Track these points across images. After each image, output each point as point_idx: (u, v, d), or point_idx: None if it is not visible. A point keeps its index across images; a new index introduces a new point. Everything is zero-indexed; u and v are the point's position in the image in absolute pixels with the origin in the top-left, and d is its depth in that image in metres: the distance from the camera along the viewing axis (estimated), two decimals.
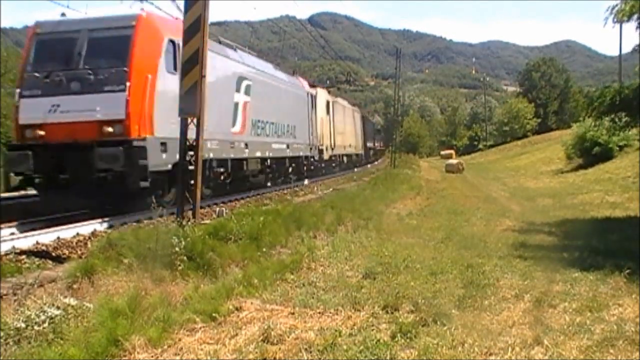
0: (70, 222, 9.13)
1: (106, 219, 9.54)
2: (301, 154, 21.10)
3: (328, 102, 26.92)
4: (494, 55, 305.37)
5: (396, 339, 3.87)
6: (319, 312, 4.56)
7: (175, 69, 10.44)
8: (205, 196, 11.46)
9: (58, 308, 3.97)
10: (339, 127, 29.33)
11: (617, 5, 10.48)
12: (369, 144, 46.03)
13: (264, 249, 6.82)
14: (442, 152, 67.58)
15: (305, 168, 21.79)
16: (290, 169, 19.78)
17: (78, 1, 11.57)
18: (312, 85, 25.01)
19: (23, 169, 9.82)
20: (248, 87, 15.46)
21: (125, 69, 9.83)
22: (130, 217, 9.97)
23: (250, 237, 6.89)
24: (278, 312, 4.57)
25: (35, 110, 9.89)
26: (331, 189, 17.34)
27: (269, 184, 17.76)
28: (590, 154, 26.28)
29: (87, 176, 9.68)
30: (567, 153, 29.84)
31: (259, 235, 7.01)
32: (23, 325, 3.67)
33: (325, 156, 25.51)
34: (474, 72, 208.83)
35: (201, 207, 8.54)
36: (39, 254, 7.20)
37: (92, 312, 4.02)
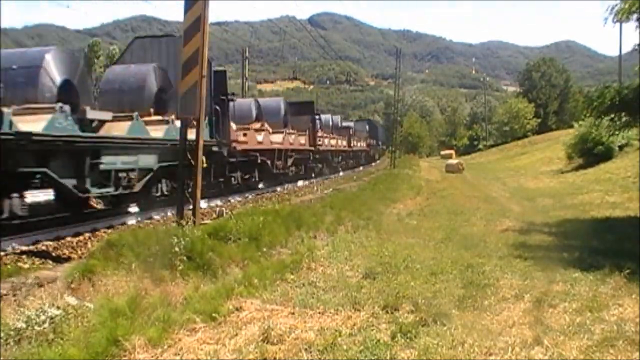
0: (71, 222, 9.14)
1: (106, 218, 9.54)
2: None
3: None
4: (493, 55, 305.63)
5: (396, 339, 3.87)
6: (319, 312, 4.56)
7: None
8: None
9: (58, 308, 3.97)
10: None
11: (616, 5, 10.49)
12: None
13: (264, 249, 6.81)
14: (442, 152, 67.56)
15: None
16: None
17: (79, 0, 11.60)
18: None
19: None
20: None
21: None
22: (131, 217, 9.98)
23: (250, 237, 6.89)
24: (278, 312, 4.57)
25: None
26: (331, 189, 17.34)
27: None
28: (591, 154, 26.26)
29: None
30: (567, 153, 29.82)
31: (258, 235, 7.01)
32: (23, 325, 3.66)
33: None
34: (474, 72, 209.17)
35: (201, 207, 8.53)
36: (39, 254, 7.20)
37: (92, 312, 4.02)
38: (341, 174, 30.87)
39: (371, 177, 24.61)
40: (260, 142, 18.34)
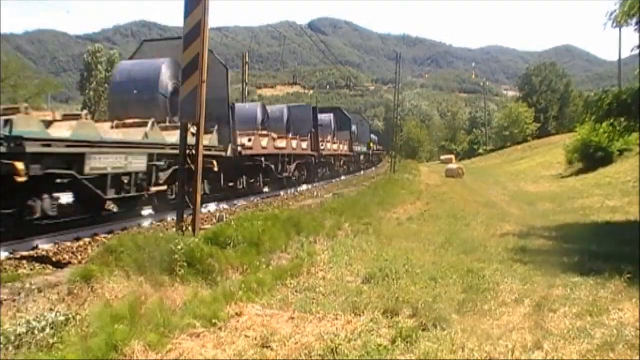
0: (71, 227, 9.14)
1: (106, 224, 9.56)
2: None
3: None
4: (493, 60, 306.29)
5: (396, 343, 3.87)
6: (319, 317, 4.56)
7: None
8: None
9: (58, 313, 3.97)
10: None
11: (616, 9, 10.54)
12: None
13: (264, 255, 6.81)
14: (442, 157, 67.50)
15: None
16: None
17: (78, 2, 11.55)
18: None
19: None
20: None
21: None
22: (131, 222, 9.99)
23: (250, 242, 6.88)
24: (278, 317, 4.57)
25: None
26: (331, 194, 17.35)
27: None
28: (591, 158, 26.26)
29: None
30: (568, 157, 29.82)
31: (259, 240, 7.00)
32: (23, 330, 3.66)
33: None
34: (473, 76, 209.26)
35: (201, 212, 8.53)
36: (39, 259, 7.19)
37: (92, 318, 4.01)
38: None
39: (371, 182, 24.60)
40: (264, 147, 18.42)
